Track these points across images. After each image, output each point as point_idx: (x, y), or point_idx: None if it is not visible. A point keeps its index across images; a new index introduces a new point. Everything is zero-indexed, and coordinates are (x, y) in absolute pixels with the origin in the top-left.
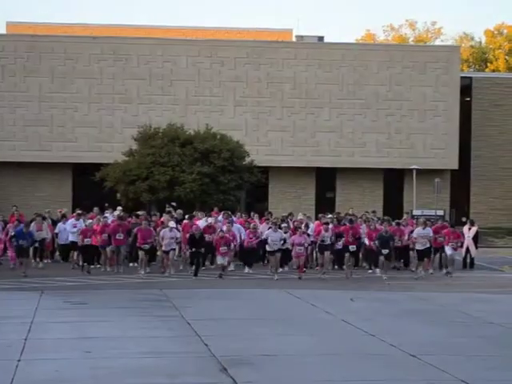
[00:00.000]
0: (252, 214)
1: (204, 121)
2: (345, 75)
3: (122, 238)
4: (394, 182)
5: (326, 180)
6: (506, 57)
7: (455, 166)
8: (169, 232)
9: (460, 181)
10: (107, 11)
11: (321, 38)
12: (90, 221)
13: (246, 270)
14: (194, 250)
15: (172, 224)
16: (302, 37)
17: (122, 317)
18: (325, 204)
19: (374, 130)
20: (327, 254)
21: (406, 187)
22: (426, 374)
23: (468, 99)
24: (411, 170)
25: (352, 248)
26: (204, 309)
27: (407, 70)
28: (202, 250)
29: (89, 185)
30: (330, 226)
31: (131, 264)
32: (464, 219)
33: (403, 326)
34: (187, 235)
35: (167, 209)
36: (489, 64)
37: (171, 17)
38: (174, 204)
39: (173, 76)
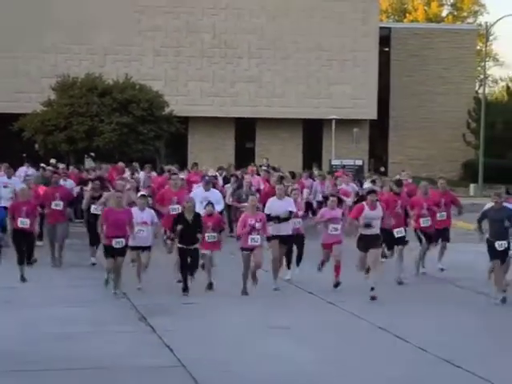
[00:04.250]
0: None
1: (123, 70)
2: (264, 25)
3: (61, 208)
4: (313, 132)
5: (245, 130)
6: (425, 7)
7: (374, 116)
8: (139, 212)
9: (379, 131)
10: None
11: None
12: (23, 185)
13: (289, 276)
14: (181, 245)
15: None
16: None
17: (45, 268)
18: (244, 155)
19: (293, 81)
20: (374, 252)
21: (325, 137)
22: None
23: (387, 50)
24: (330, 120)
25: (399, 233)
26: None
27: (326, 20)
28: (197, 245)
29: (7, 135)
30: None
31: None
32: (382, 169)
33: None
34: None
35: (86, 159)
36: (407, 14)
37: None
38: (92, 154)
39: (91, 25)
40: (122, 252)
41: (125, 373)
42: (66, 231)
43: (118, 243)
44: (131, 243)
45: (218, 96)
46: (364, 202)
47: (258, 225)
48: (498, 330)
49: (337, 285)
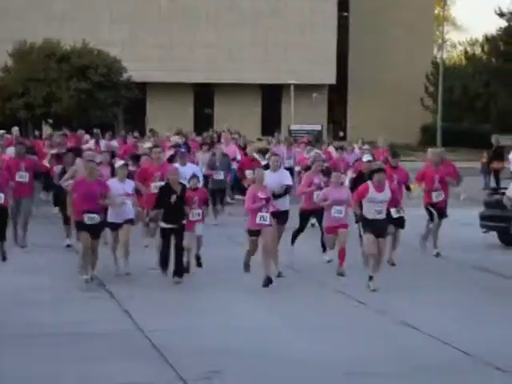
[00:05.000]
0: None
1: (81, 36)
2: None
3: (26, 180)
4: (272, 97)
5: (203, 96)
6: None
7: (333, 80)
8: (119, 183)
9: (337, 96)
10: None
11: None
12: None
13: (327, 258)
14: (166, 225)
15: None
16: None
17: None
18: (203, 121)
19: (251, 45)
20: (381, 241)
21: (283, 102)
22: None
23: (346, 14)
24: (289, 85)
25: (397, 212)
26: None
27: None
28: (184, 222)
29: None
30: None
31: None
32: (341, 134)
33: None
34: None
35: (47, 129)
36: None
37: None
38: (50, 121)
39: None
40: (95, 230)
41: (84, 338)
42: (30, 208)
43: (90, 219)
44: (112, 219)
45: (175, 62)
46: (369, 182)
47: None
48: (461, 299)
49: (341, 274)
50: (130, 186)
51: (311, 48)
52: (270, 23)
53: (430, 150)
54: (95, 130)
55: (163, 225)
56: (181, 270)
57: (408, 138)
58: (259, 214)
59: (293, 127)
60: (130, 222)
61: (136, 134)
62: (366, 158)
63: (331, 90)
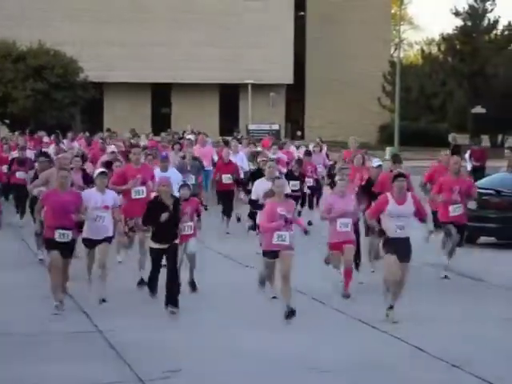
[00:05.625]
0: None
1: (37, 36)
2: None
3: None
4: (229, 96)
5: (161, 96)
6: None
7: (290, 80)
8: (98, 194)
9: (295, 95)
10: None
11: None
12: None
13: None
14: (157, 245)
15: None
16: None
17: None
18: (160, 120)
19: (209, 45)
20: (405, 266)
21: (241, 102)
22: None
23: (302, 13)
24: (247, 84)
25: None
26: None
27: None
28: (177, 241)
29: None
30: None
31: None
32: (299, 133)
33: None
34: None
35: (3, 129)
36: None
37: None
38: (7, 121)
39: None
40: (67, 248)
41: (42, 339)
42: None
43: (62, 236)
44: (86, 235)
45: (134, 61)
46: (387, 193)
47: (289, 216)
48: (425, 299)
49: (347, 296)
50: (110, 197)
51: (268, 48)
52: (227, 23)
53: (444, 153)
54: (56, 132)
55: (153, 245)
56: (175, 298)
57: (366, 137)
58: (277, 232)
59: (251, 127)
60: (109, 240)
61: (101, 135)
62: (376, 162)
63: (289, 89)
